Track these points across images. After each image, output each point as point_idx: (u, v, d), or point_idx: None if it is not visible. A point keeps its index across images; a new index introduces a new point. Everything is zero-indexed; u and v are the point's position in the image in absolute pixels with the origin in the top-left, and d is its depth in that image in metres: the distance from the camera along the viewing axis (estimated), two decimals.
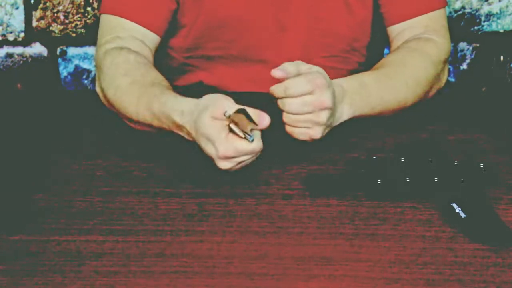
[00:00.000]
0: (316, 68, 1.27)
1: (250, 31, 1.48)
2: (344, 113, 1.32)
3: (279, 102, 1.25)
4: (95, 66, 1.49)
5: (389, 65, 1.42)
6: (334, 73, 1.54)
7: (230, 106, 1.17)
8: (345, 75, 1.55)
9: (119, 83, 1.37)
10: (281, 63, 1.28)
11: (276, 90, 1.25)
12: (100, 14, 1.50)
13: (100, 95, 1.45)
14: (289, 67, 1.25)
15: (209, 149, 1.18)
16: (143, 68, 1.39)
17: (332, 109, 1.26)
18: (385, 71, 1.41)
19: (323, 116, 1.25)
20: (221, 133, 1.16)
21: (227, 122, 1.16)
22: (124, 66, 1.39)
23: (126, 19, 1.46)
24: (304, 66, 1.27)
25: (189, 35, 1.51)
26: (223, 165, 1.18)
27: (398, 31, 1.50)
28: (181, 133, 1.26)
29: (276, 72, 1.24)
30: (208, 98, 1.21)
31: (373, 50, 1.58)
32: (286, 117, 1.25)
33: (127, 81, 1.36)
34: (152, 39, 1.48)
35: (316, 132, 1.26)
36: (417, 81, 1.41)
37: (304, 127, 1.25)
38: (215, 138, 1.16)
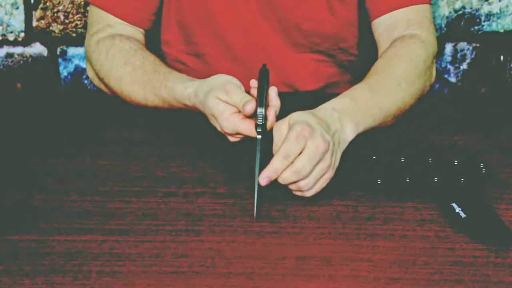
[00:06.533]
0: (294, 117, 1.19)
1: (234, 28, 1.49)
2: (348, 133, 1.24)
3: (287, 177, 1.15)
4: (85, 54, 1.52)
5: (377, 73, 1.38)
6: (322, 65, 1.54)
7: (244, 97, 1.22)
8: (333, 68, 1.56)
9: (122, 74, 1.41)
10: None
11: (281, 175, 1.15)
12: (89, 4, 1.52)
13: (95, 81, 1.50)
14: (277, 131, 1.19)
15: (215, 125, 1.26)
16: (139, 54, 1.43)
17: (329, 147, 1.18)
18: (375, 79, 1.36)
19: (328, 158, 1.17)
20: (224, 112, 1.23)
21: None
22: (121, 55, 1.43)
23: (111, 14, 1.49)
24: (284, 124, 1.19)
25: (177, 27, 1.52)
26: (230, 139, 1.25)
27: (382, 28, 1.47)
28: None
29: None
30: (212, 80, 1.27)
31: (366, 48, 1.57)
32: (301, 185, 1.17)
33: (128, 70, 1.41)
34: (140, 29, 1.51)
35: (331, 174, 1.19)
36: (409, 81, 1.38)
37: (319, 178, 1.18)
38: (218, 115, 1.23)
